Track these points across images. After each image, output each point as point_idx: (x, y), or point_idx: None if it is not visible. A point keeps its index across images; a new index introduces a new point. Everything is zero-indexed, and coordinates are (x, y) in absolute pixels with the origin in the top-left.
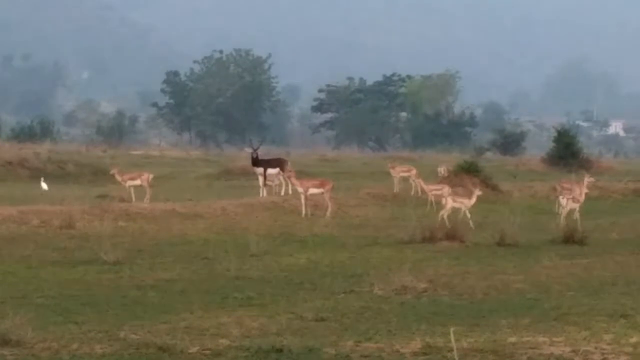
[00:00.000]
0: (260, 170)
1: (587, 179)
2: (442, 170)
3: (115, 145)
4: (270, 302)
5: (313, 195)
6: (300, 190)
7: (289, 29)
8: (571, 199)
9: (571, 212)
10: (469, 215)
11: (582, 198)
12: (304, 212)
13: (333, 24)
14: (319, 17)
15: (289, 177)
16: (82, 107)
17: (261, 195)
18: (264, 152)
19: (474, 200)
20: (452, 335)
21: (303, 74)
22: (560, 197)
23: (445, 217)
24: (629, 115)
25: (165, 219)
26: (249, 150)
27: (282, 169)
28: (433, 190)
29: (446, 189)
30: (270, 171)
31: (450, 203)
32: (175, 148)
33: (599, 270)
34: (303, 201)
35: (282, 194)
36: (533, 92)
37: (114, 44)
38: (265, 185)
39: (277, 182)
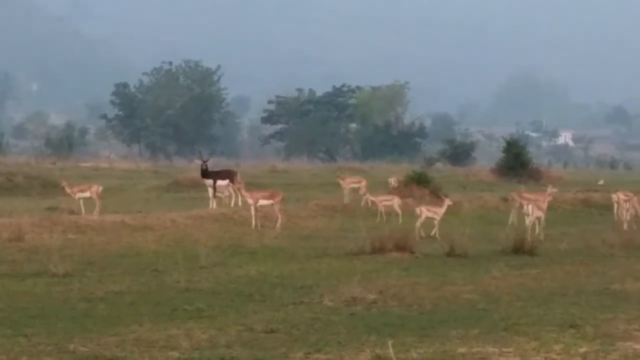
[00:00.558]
0: (210, 181)
1: (550, 189)
2: (392, 181)
3: (64, 157)
4: (219, 313)
5: (263, 206)
6: (250, 201)
7: (238, 40)
8: (536, 207)
9: (537, 220)
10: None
11: (545, 207)
12: (253, 223)
13: (282, 35)
14: (268, 29)
15: (239, 189)
16: (31, 119)
17: (210, 206)
18: (213, 164)
19: (444, 209)
20: (390, 347)
21: (252, 85)
22: (526, 205)
23: (419, 225)
24: (578, 125)
25: (115, 231)
26: (198, 162)
27: (232, 180)
28: (383, 201)
29: (396, 200)
30: (220, 182)
31: (425, 212)
32: (125, 160)
33: (548, 280)
34: (253, 212)
35: (232, 205)
36: (482, 102)
37: (63, 56)
38: (214, 196)
39: (226, 194)
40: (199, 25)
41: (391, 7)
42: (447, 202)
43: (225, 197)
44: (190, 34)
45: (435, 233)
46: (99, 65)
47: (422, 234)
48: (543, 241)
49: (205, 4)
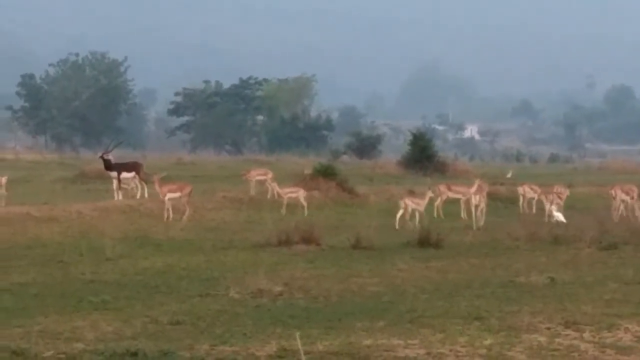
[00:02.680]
0: (114, 173)
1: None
2: (308, 173)
3: None
4: (125, 305)
5: (171, 199)
6: (161, 195)
7: (145, 32)
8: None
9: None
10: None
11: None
12: (165, 215)
13: (189, 27)
14: (175, 21)
15: (154, 181)
16: None
17: (115, 198)
18: (118, 156)
19: (426, 200)
20: (297, 339)
21: (159, 77)
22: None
23: (407, 218)
24: (484, 118)
25: (20, 222)
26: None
27: (137, 172)
28: (288, 193)
29: (301, 192)
30: (125, 175)
31: (410, 204)
32: (31, 151)
33: (453, 272)
34: (166, 205)
35: (138, 197)
36: (389, 95)
37: None
38: (119, 188)
39: (132, 185)
40: (105, 17)
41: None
42: (429, 194)
43: (131, 188)
44: (97, 25)
45: (416, 223)
46: (4, 56)
47: (412, 225)
48: (434, 234)
49: None
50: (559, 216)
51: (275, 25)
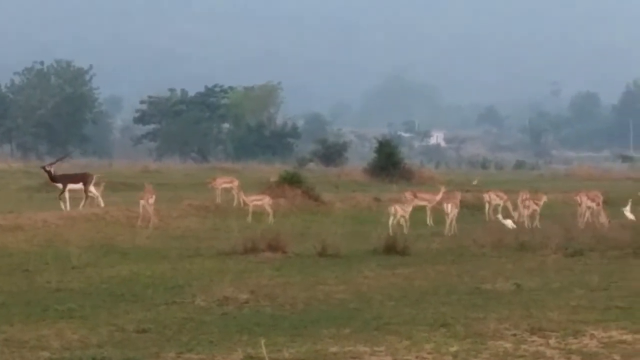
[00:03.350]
0: (59, 185)
1: (444, 189)
2: (274, 180)
3: None
4: (91, 313)
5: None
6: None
7: (109, 40)
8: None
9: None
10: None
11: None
12: (139, 222)
13: (154, 35)
14: (139, 28)
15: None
16: None
17: (63, 209)
18: (83, 164)
19: (411, 206)
20: (262, 346)
21: (125, 85)
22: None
23: (402, 223)
24: (450, 126)
25: None
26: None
27: (85, 184)
28: (254, 200)
29: (266, 199)
30: (72, 186)
31: (399, 211)
32: None
33: (420, 279)
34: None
35: (80, 207)
36: (355, 102)
37: None
38: (61, 198)
39: (96, 194)
40: (70, 25)
41: (261, 4)
42: (416, 201)
43: (97, 197)
44: (62, 33)
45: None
46: None
47: (405, 230)
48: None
49: (77, 3)
50: (509, 223)
51: (242, 32)
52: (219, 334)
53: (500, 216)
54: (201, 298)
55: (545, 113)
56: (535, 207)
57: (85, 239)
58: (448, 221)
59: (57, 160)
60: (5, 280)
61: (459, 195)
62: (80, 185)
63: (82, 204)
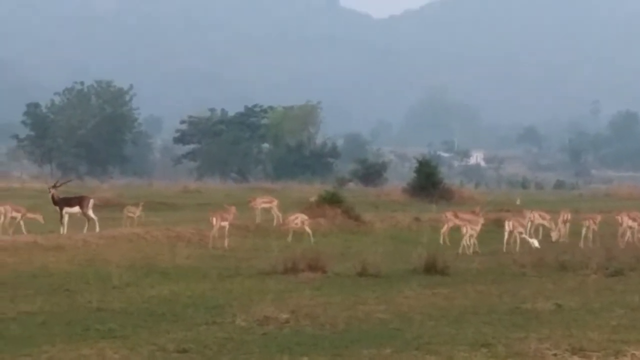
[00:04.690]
0: (57, 208)
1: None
2: (313, 200)
3: None
4: (131, 333)
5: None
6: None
7: (149, 61)
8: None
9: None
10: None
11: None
12: (210, 243)
13: (194, 56)
14: (180, 50)
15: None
16: None
17: (61, 232)
18: (123, 184)
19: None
20: None
21: (165, 105)
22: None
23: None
24: (490, 146)
25: (27, 251)
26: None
27: (82, 207)
28: (292, 221)
29: (299, 218)
30: (68, 209)
31: (469, 231)
32: (36, 180)
33: (460, 299)
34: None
35: (84, 231)
36: (394, 122)
37: None
38: (61, 222)
39: (137, 214)
40: (110, 47)
41: (301, 27)
42: (481, 220)
43: (137, 217)
44: (102, 55)
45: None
46: (9, 86)
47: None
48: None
49: (116, 25)
50: (534, 242)
51: (282, 54)
52: (259, 354)
53: (526, 235)
54: (241, 318)
55: (585, 132)
56: (594, 226)
57: (126, 258)
58: (467, 240)
59: (62, 183)
60: (47, 300)
61: (527, 215)
62: (77, 209)
63: (85, 227)
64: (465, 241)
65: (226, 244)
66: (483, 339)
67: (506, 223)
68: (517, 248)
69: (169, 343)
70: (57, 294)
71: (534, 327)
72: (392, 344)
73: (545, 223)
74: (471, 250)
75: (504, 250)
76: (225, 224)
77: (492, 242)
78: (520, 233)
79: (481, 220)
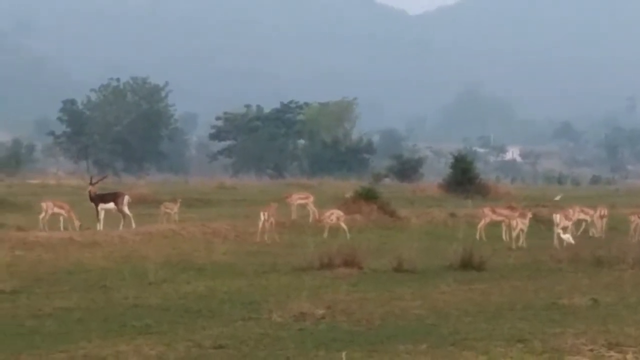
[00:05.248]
0: (94, 205)
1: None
2: (349, 196)
3: (11, 174)
4: (168, 329)
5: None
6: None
7: (185, 57)
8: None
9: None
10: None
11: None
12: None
13: (230, 52)
14: (215, 46)
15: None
16: None
17: (98, 228)
18: (161, 180)
19: (527, 220)
20: (343, 358)
21: (200, 102)
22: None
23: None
24: (525, 141)
25: (63, 247)
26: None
27: (116, 203)
28: (326, 217)
29: (335, 214)
30: (103, 205)
31: (520, 225)
32: (73, 176)
33: (496, 295)
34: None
35: (120, 227)
36: (430, 118)
37: (7, 72)
38: (97, 218)
39: (175, 210)
40: (145, 43)
41: (336, 23)
42: (529, 215)
43: (174, 213)
44: (137, 51)
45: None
46: (45, 82)
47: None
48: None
49: (151, 21)
50: (568, 238)
51: (318, 50)
52: (295, 350)
53: (560, 230)
54: (278, 314)
55: (621, 128)
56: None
57: (162, 255)
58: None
59: (98, 180)
60: (83, 296)
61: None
62: (111, 205)
63: (121, 224)
64: (515, 235)
65: (277, 238)
66: (519, 334)
67: (554, 217)
68: (565, 243)
69: (205, 339)
70: (94, 290)
71: (570, 322)
72: (428, 340)
73: (587, 218)
74: (520, 244)
75: (555, 244)
76: (272, 219)
77: (528, 237)
78: (566, 228)
79: (529, 214)
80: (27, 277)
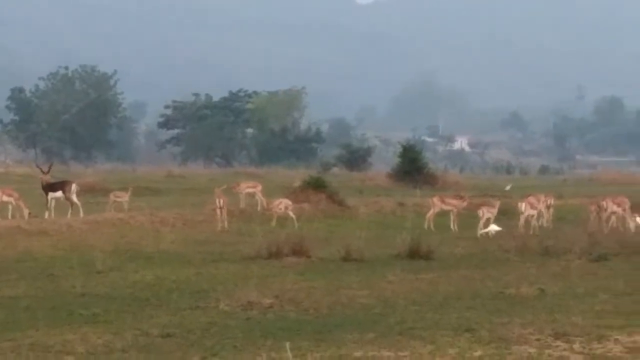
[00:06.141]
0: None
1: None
2: (297, 185)
3: None
4: (115, 318)
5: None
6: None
7: (135, 46)
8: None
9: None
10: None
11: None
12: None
13: (179, 41)
14: (165, 35)
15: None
16: None
17: (45, 216)
18: (108, 169)
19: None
20: (288, 350)
21: (149, 90)
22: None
23: (482, 229)
24: (474, 130)
25: (10, 236)
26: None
27: (64, 192)
28: (275, 206)
29: (283, 203)
30: (52, 194)
31: (486, 214)
32: (21, 164)
33: (444, 284)
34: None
35: (68, 215)
36: (379, 107)
37: None
38: (47, 207)
39: (125, 199)
40: (95, 32)
41: (285, 13)
42: (498, 203)
43: (125, 202)
44: (87, 40)
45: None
46: None
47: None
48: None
49: (102, 10)
50: (494, 227)
51: (267, 39)
52: (243, 339)
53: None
54: (225, 303)
55: (570, 118)
56: (621, 211)
57: (110, 243)
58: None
59: (48, 170)
60: (31, 284)
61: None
62: (60, 194)
63: (69, 212)
64: (482, 224)
65: (226, 225)
66: (466, 323)
67: (520, 205)
68: (532, 231)
69: (152, 328)
70: (41, 278)
71: (518, 312)
72: (375, 329)
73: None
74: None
75: (521, 231)
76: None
77: (476, 227)
78: (532, 216)
79: (497, 203)
80: None
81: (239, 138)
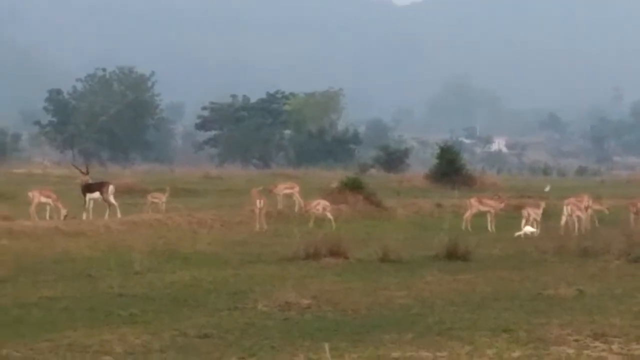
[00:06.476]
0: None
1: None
2: (335, 186)
3: None
4: (153, 318)
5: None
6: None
7: (172, 48)
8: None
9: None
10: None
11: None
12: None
13: (216, 43)
14: (201, 37)
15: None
16: None
17: (84, 217)
18: (145, 170)
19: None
20: (327, 350)
21: (187, 92)
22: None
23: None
24: (512, 132)
25: (48, 237)
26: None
27: (102, 192)
28: (313, 207)
29: (321, 204)
30: (90, 195)
31: (532, 215)
32: (58, 166)
33: (481, 285)
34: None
35: (105, 216)
36: (417, 109)
37: None
38: (85, 207)
39: (163, 200)
40: (132, 34)
41: (323, 15)
42: (542, 205)
43: (162, 203)
44: (124, 42)
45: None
46: (32, 72)
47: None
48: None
49: (138, 12)
50: (529, 229)
51: (304, 41)
52: (281, 339)
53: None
54: (263, 303)
55: (607, 119)
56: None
57: (147, 244)
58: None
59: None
60: (69, 285)
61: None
62: (97, 195)
63: (106, 213)
64: (528, 226)
65: (265, 226)
66: (504, 324)
67: (565, 207)
68: (576, 231)
69: (190, 328)
70: (79, 279)
71: (556, 313)
72: (413, 330)
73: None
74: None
75: (562, 233)
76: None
77: (513, 228)
78: (579, 217)
79: (542, 204)
80: (12, 266)
81: (277, 139)
